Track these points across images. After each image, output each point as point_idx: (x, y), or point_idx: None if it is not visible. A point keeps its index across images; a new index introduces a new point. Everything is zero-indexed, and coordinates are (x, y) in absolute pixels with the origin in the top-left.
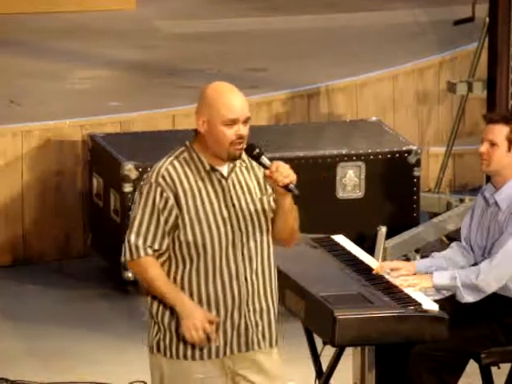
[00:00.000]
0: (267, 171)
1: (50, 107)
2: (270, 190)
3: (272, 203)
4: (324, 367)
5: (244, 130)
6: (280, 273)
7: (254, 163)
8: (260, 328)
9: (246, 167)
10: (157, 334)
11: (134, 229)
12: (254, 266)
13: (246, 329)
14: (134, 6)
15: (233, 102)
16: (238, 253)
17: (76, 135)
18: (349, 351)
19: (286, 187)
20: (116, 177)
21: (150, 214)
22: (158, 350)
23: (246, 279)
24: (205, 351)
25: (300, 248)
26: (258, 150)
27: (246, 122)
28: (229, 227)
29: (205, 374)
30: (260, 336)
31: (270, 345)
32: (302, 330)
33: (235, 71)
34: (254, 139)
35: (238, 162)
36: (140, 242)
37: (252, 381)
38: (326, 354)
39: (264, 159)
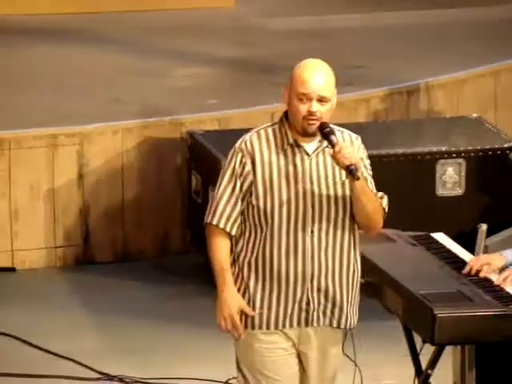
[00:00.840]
0: (331, 150)
1: (150, 104)
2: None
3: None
4: (423, 366)
5: (317, 107)
6: (378, 270)
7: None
8: (322, 306)
9: None
10: None
11: (215, 194)
12: (323, 246)
13: (308, 304)
14: (233, 4)
15: (308, 77)
16: (307, 229)
17: (176, 132)
18: (449, 350)
19: (348, 169)
20: (215, 174)
21: (229, 178)
22: None
23: (312, 257)
24: (264, 322)
25: (399, 246)
26: (328, 129)
27: (321, 100)
28: (301, 203)
29: (267, 344)
30: (321, 314)
31: (331, 324)
32: (401, 329)
33: (333, 68)
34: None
35: (326, 143)
36: (213, 209)
37: (311, 358)
38: (426, 352)
39: (333, 138)
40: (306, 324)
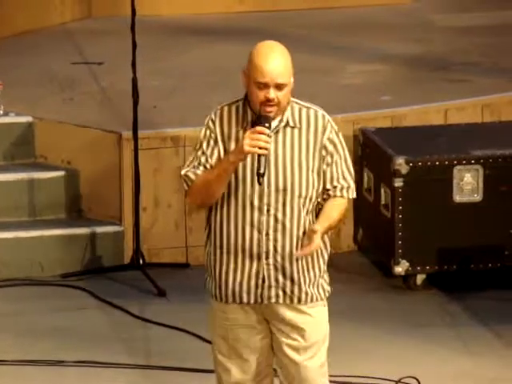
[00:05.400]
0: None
1: (323, 101)
2: (316, 160)
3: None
4: None
5: (274, 93)
6: None
7: (311, 128)
8: (281, 284)
9: (299, 130)
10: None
11: (187, 162)
12: (280, 227)
13: (263, 282)
14: (409, 1)
15: (265, 65)
16: (263, 207)
17: (348, 130)
18: None
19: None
20: (387, 171)
21: (197, 150)
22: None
23: (267, 234)
24: (223, 294)
25: None
26: (264, 119)
27: (279, 87)
28: (254, 181)
29: (226, 316)
30: (280, 291)
31: (291, 301)
32: None
33: (507, 64)
34: None
35: (287, 122)
36: (184, 171)
37: (281, 329)
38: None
39: (261, 124)
40: (262, 301)
